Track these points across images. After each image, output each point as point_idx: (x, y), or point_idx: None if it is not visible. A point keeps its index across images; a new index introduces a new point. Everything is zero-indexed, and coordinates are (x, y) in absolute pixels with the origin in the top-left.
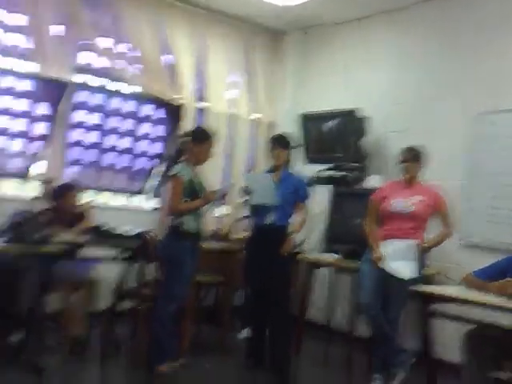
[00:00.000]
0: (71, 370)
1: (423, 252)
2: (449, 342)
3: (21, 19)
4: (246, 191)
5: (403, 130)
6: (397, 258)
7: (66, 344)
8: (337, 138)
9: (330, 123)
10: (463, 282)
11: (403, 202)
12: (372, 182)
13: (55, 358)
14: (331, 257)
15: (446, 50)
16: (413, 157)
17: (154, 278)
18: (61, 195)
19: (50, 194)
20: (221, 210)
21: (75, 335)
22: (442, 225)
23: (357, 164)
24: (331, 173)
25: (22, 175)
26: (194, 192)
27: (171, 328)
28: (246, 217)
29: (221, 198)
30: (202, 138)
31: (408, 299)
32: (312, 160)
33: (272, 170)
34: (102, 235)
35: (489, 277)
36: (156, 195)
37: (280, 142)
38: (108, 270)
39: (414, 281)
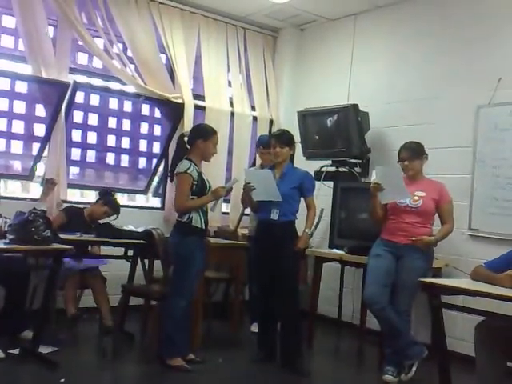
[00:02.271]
0: (84, 363)
1: (431, 245)
2: (460, 334)
3: (15, 21)
4: (247, 188)
5: (402, 124)
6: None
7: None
8: (338, 133)
9: (331, 118)
10: (471, 274)
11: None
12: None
13: (68, 352)
14: (336, 253)
15: (444, 44)
16: (412, 154)
17: (162, 274)
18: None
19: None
20: (226, 206)
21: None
22: (444, 220)
23: (360, 159)
24: (334, 168)
25: (27, 176)
26: (204, 188)
27: (182, 324)
28: (248, 214)
29: (227, 194)
30: (207, 134)
31: (417, 290)
32: (310, 156)
33: (273, 167)
34: (112, 232)
35: (498, 268)
36: (156, 194)
37: (279, 139)
38: (117, 267)
39: (423, 272)
